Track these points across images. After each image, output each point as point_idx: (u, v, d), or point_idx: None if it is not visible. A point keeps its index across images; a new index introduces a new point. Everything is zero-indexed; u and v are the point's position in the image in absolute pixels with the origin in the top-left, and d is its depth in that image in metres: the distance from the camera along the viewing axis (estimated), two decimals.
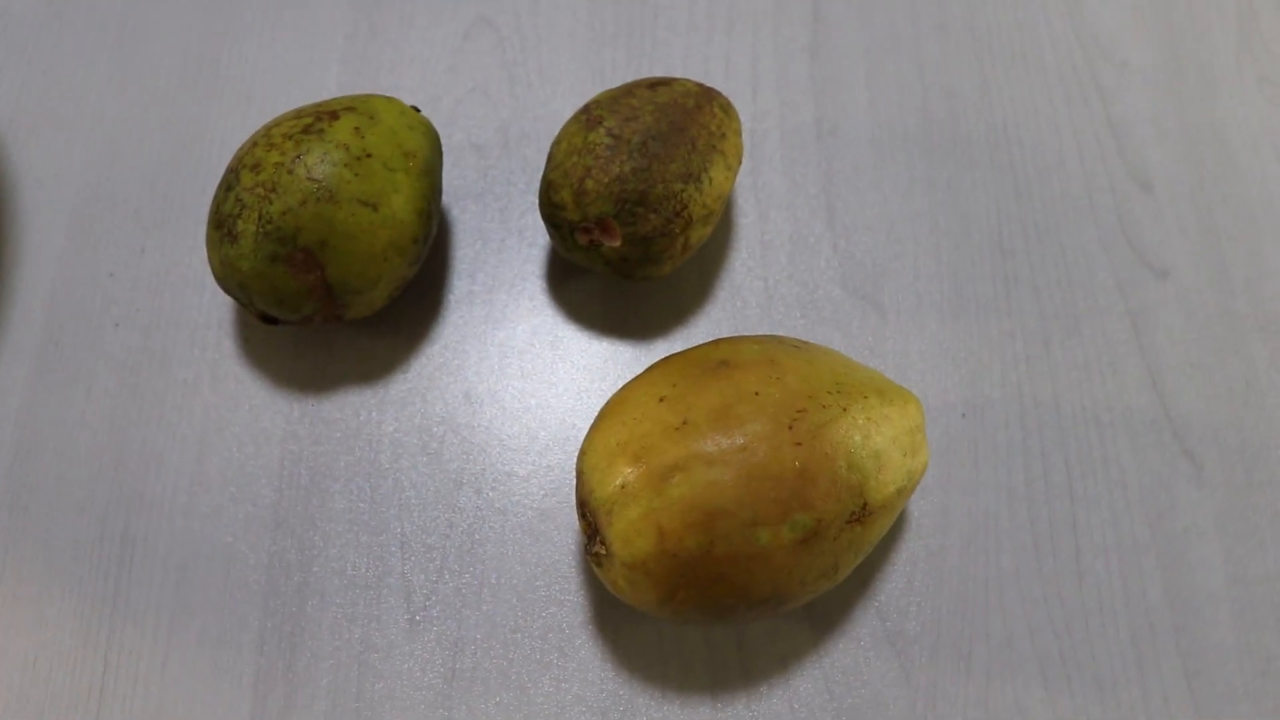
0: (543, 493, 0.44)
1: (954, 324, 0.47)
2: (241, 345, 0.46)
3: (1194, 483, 0.45)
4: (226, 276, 0.40)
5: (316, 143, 0.40)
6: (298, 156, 0.39)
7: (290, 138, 0.40)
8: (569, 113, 0.51)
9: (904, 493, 0.37)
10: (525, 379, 0.46)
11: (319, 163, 0.39)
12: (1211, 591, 0.43)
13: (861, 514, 0.35)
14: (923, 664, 0.41)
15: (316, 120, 0.41)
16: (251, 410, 0.45)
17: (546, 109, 0.52)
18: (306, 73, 0.53)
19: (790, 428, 0.34)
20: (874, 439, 0.36)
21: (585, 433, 0.45)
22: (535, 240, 0.49)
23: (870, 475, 0.35)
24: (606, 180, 0.40)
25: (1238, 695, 0.41)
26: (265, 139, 0.41)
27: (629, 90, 0.42)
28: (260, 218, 0.39)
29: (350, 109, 0.42)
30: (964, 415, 0.45)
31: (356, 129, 0.41)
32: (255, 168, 0.40)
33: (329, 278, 0.40)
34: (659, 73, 0.53)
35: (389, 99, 0.44)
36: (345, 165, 0.40)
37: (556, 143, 0.42)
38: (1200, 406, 0.46)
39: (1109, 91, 0.53)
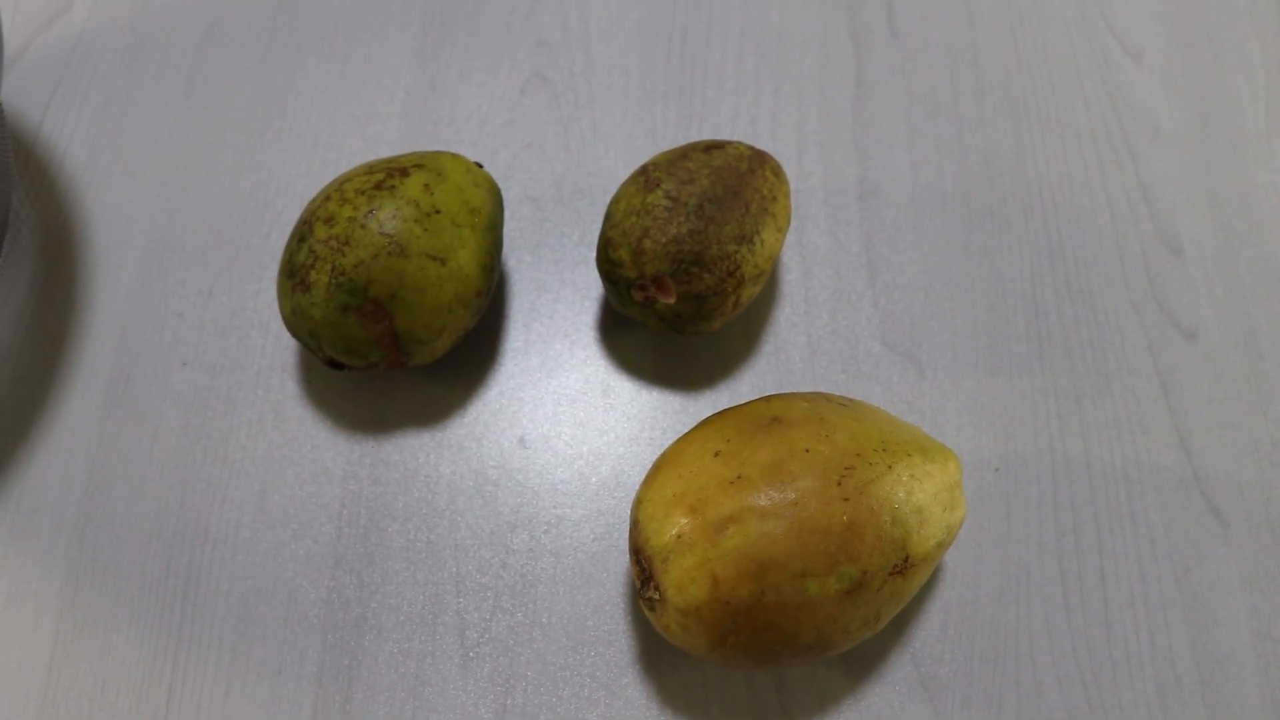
0: (593, 537, 0.45)
1: (989, 381, 0.49)
2: (304, 387, 0.48)
3: (1220, 540, 0.46)
4: (297, 324, 0.42)
5: (388, 199, 0.42)
6: (370, 211, 0.41)
7: (363, 193, 0.42)
8: (622, 168, 0.53)
9: (943, 546, 0.39)
10: (577, 426, 0.47)
11: (390, 218, 0.41)
12: (1237, 646, 0.44)
13: (904, 566, 0.37)
14: (955, 710, 0.43)
15: (388, 177, 0.43)
16: (313, 450, 0.47)
17: (600, 164, 0.54)
18: (368, 124, 0.55)
19: (839, 484, 0.36)
20: (916, 495, 0.37)
21: (635, 479, 0.46)
22: (589, 292, 0.50)
23: (913, 530, 0.37)
24: (664, 241, 0.41)
25: None
26: (339, 193, 0.42)
27: (685, 153, 0.44)
28: (333, 269, 0.40)
29: (420, 166, 0.44)
30: (997, 470, 0.47)
31: (426, 185, 0.43)
32: (329, 221, 0.41)
33: (397, 328, 0.41)
34: (708, 131, 0.54)
35: (455, 156, 0.46)
36: (415, 221, 0.41)
37: (615, 202, 0.44)
38: (1227, 465, 0.48)
39: (1141, 156, 0.55)
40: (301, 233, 0.42)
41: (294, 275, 0.42)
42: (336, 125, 0.55)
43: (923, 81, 0.56)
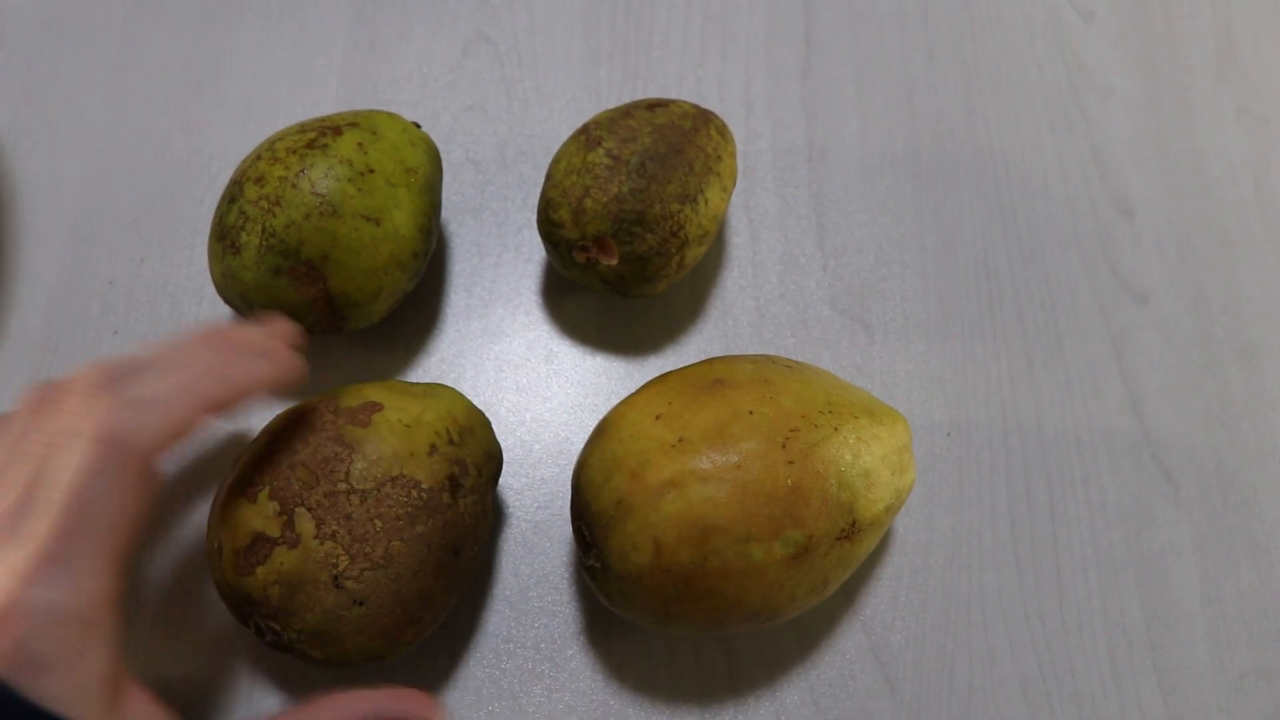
0: (536, 505, 0.44)
1: (940, 344, 0.48)
2: None
3: (1171, 503, 0.46)
4: (228, 288, 0.40)
5: (320, 157, 0.40)
6: (302, 171, 0.40)
7: (294, 152, 0.40)
8: (566, 130, 0.52)
9: (891, 510, 0.38)
10: (520, 393, 0.46)
11: (323, 177, 0.40)
12: (1187, 609, 0.44)
13: (851, 531, 0.36)
14: (907, 677, 0.42)
15: (320, 135, 0.41)
16: (244, 416, 0.46)
17: (543, 126, 0.52)
18: (305, 85, 0.53)
19: (784, 446, 0.35)
20: (864, 458, 0.36)
21: (578, 446, 0.45)
22: (531, 256, 0.49)
23: (860, 494, 0.36)
24: (605, 200, 0.40)
25: (1212, 711, 0.42)
26: (269, 153, 0.41)
27: (627, 111, 0.43)
28: (264, 230, 0.39)
29: (353, 124, 0.42)
30: (949, 434, 0.46)
31: (360, 144, 0.41)
32: (259, 181, 0.40)
33: (331, 290, 0.40)
34: (654, 92, 0.53)
35: (391, 115, 0.44)
36: (349, 180, 0.40)
37: (555, 161, 0.43)
38: (1179, 428, 0.47)
39: (1092, 118, 0.54)
40: (232, 193, 0.41)
41: (224, 238, 0.40)
42: (272, 88, 0.53)
43: (873, 42, 0.56)
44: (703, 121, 0.44)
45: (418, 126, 0.45)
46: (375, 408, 0.37)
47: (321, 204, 0.39)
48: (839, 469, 0.35)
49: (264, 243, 0.39)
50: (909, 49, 0.55)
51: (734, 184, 0.45)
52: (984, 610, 0.44)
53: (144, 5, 0.55)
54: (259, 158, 0.41)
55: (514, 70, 0.54)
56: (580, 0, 0.56)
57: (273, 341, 0.36)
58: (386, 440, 0.36)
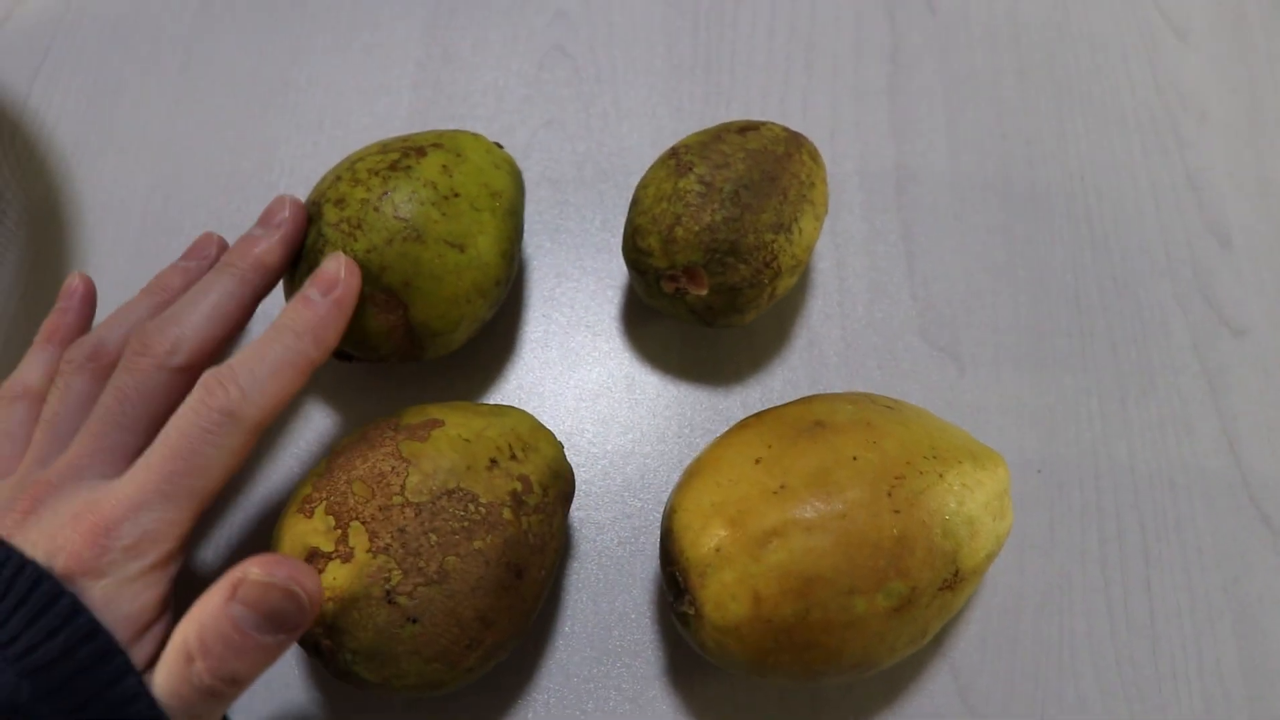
0: (618, 541, 0.43)
1: (1031, 378, 0.47)
2: (311, 380, 0.46)
3: (1270, 548, 0.44)
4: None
5: (404, 180, 0.39)
6: (385, 194, 0.39)
7: (376, 173, 0.39)
8: (647, 147, 0.51)
9: (991, 557, 0.37)
10: (601, 423, 0.45)
11: (406, 201, 0.39)
12: None
13: (954, 581, 0.35)
14: None
15: (404, 156, 0.40)
16: (320, 447, 0.45)
17: (624, 143, 0.51)
18: (377, 99, 0.52)
19: (889, 494, 0.34)
20: (968, 505, 0.35)
21: (663, 480, 0.44)
22: (612, 280, 0.48)
23: (964, 542, 0.35)
24: (697, 229, 0.39)
25: None
26: (349, 173, 0.40)
27: (718, 135, 0.42)
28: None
29: (437, 145, 0.41)
30: (1039, 471, 0.45)
31: (444, 167, 0.40)
32: (339, 203, 0.39)
33: (411, 318, 0.39)
34: (736, 108, 0.52)
35: (475, 136, 0.43)
36: (433, 204, 0.39)
37: (643, 186, 0.42)
38: (1277, 469, 0.46)
39: (1187, 142, 0.53)
40: (309, 213, 0.40)
41: (302, 260, 0.39)
42: (343, 101, 0.52)
43: (962, 61, 0.54)
44: (795, 146, 0.42)
45: (500, 147, 0.44)
46: (436, 424, 0.36)
47: (405, 229, 0.38)
48: (944, 517, 0.34)
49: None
50: (999, 68, 0.54)
51: (826, 211, 0.44)
52: (1074, 656, 0.42)
53: (211, 14, 0.55)
54: (339, 178, 0.40)
55: (592, 85, 0.53)
56: (660, 13, 0.55)
57: (329, 272, 0.37)
58: (444, 454, 0.35)
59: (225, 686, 0.31)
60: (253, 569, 0.31)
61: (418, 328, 0.39)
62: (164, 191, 0.50)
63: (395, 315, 0.39)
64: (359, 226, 0.38)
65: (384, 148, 0.41)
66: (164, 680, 0.30)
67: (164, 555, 0.32)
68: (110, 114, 0.52)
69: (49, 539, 0.31)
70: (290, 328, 0.35)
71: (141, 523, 0.31)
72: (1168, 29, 0.56)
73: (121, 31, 0.54)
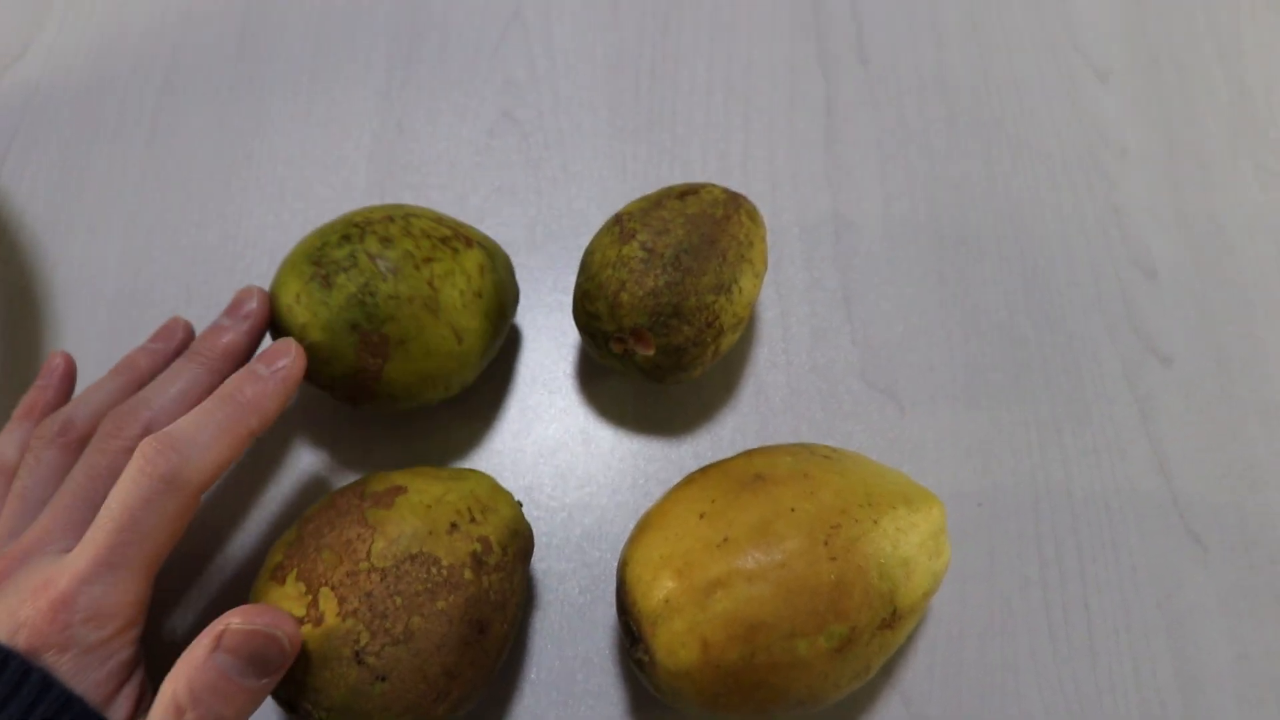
0: (579, 589, 0.45)
1: (968, 414, 0.49)
2: (279, 436, 0.48)
3: (1200, 564, 0.47)
4: (292, 309, 0.41)
5: (448, 259, 0.42)
6: (428, 260, 0.41)
7: (429, 237, 0.42)
8: (594, 209, 0.53)
9: (929, 594, 0.39)
10: (558, 477, 0.47)
11: (442, 278, 0.41)
12: (1218, 670, 0.45)
13: (892, 620, 0.37)
14: None
15: (454, 237, 0.43)
16: (285, 501, 0.47)
17: (571, 206, 0.54)
18: (336, 170, 0.54)
19: (826, 543, 0.36)
20: (903, 547, 0.37)
21: (619, 530, 0.46)
22: (565, 339, 0.51)
23: (900, 583, 0.37)
24: (641, 294, 0.41)
25: None
26: (403, 221, 0.42)
27: (659, 201, 0.44)
28: (366, 286, 0.40)
29: (483, 245, 0.44)
30: (979, 504, 0.47)
31: (481, 268, 0.43)
32: (385, 241, 0.41)
33: (384, 372, 0.41)
34: (679, 167, 0.55)
35: (503, 251, 0.47)
36: (460, 293, 0.42)
37: (590, 253, 0.44)
38: (1205, 490, 0.48)
39: (1112, 179, 0.55)
40: (348, 232, 0.41)
41: (321, 264, 0.41)
42: (303, 173, 0.55)
43: (892, 110, 0.57)
44: (734, 208, 0.45)
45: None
46: (400, 490, 0.38)
47: (429, 299, 0.41)
48: (879, 561, 0.36)
49: (360, 296, 0.40)
50: (928, 116, 0.57)
51: (765, 268, 0.46)
52: (1018, 677, 0.44)
53: (175, 88, 0.57)
54: (391, 219, 0.42)
55: (540, 150, 0.55)
56: (603, 77, 0.57)
57: (279, 350, 0.40)
58: (407, 520, 0.37)
59: None
60: (234, 619, 0.33)
61: (383, 381, 0.41)
62: (133, 265, 0.52)
63: (374, 361, 0.41)
64: (395, 271, 0.40)
65: (439, 219, 0.44)
66: None
67: (122, 622, 0.33)
68: (79, 191, 0.54)
69: (11, 615, 0.32)
70: (234, 398, 0.37)
71: (94, 594, 0.33)
72: (1088, 70, 0.58)
73: (87, 108, 0.56)
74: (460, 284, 0.42)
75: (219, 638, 0.33)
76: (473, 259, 0.43)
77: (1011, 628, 0.45)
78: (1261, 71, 0.59)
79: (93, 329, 0.51)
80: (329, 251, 0.41)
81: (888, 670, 0.44)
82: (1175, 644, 0.45)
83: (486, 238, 0.46)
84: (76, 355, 0.49)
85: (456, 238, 0.43)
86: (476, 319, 0.43)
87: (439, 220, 0.44)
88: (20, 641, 0.32)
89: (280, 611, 0.34)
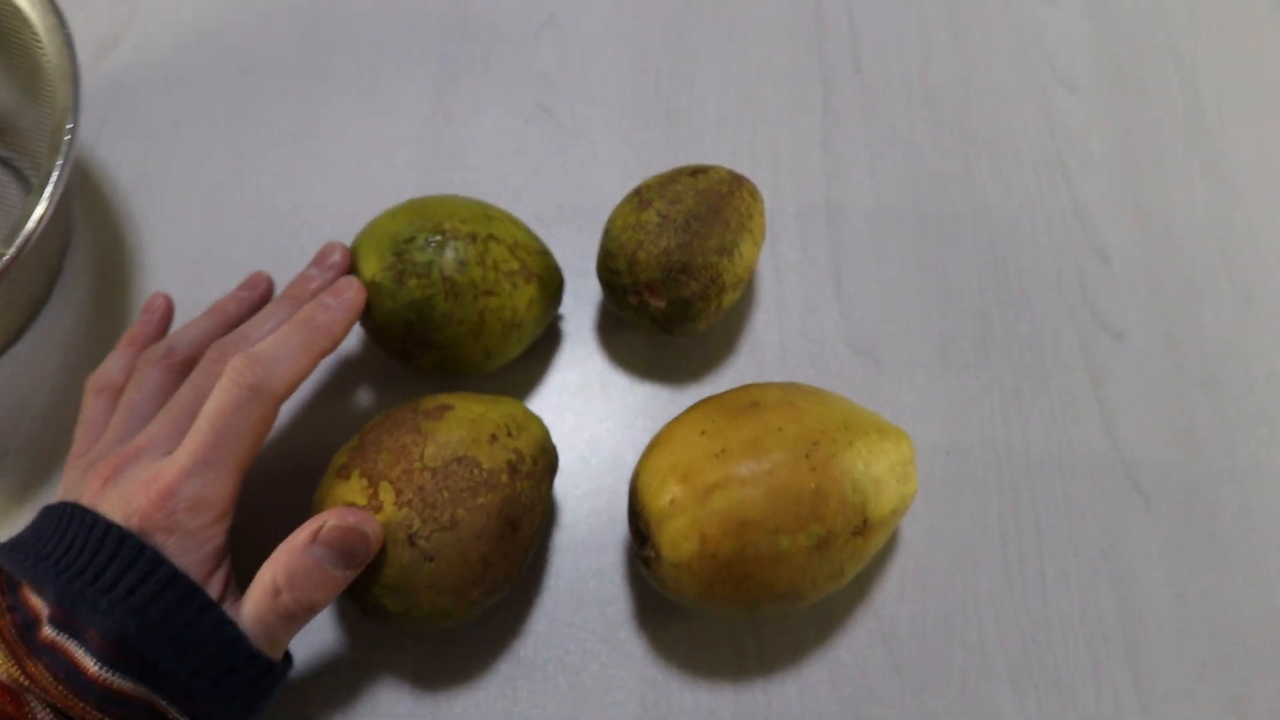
0: (593, 510, 0.51)
1: (940, 377, 0.55)
2: (321, 379, 0.54)
3: (1144, 514, 0.52)
4: (369, 287, 0.46)
5: (505, 295, 0.47)
6: (488, 293, 0.46)
7: (498, 270, 0.47)
8: (617, 189, 0.60)
9: (897, 513, 0.45)
10: (579, 415, 0.53)
11: (494, 312, 0.47)
12: (1156, 609, 0.50)
13: (863, 528, 0.43)
14: (911, 661, 0.48)
15: (519, 271, 0.48)
16: (342, 427, 0.52)
17: (597, 187, 0.60)
18: (391, 151, 0.61)
19: (807, 456, 0.42)
20: (874, 467, 0.43)
21: (631, 459, 0.52)
22: (589, 298, 0.57)
23: (870, 497, 0.43)
24: (655, 252, 0.48)
25: (1178, 696, 0.48)
26: (483, 246, 0.47)
27: (673, 177, 0.50)
28: (429, 299, 0.45)
29: (541, 276, 0.49)
30: (947, 454, 0.53)
31: (531, 301, 0.48)
32: (461, 265, 0.46)
33: (419, 360, 0.47)
34: (693, 157, 0.61)
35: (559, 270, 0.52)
36: (504, 324, 0.47)
37: (612, 220, 0.51)
38: (1150, 451, 0.54)
39: (1075, 178, 0.61)
40: (435, 237, 0.46)
41: (401, 258, 0.46)
42: (362, 152, 0.61)
43: (882, 112, 0.63)
44: (737, 185, 0.51)
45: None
46: (448, 408, 0.44)
47: (475, 327, 0.46)
48: (853, 476, 0.42)
49: (420, 304, 0.45)
50: (914, 119, 0.63)
51: (764, 238, 0.52)
52: (977, 607, 0.49)
53: (251, 75, 0.63)
54: (474, 238, 0.47)
55: (571, 138, 0.61)
56: (627, 75, 0.64)
57: (343, 284, 0.45)
58: (454, 430, 0.43)
59: (304, 613, 0.39)
60: (329, 518, 0.39)
61: (417, 362, 0.48)
62: (213, 227, 0.58)
63: (414, 350, 0.47)
64: (456, 295, 0.46)
65: (513, 247, 0.48)
66: (251, 610, 0.38)
67: (217, 512, 0.39)
68: (165, 164, 0.60)
69: (125, 503, 0.37)
70: (308, 323, 0.43)
71: (194, 486, 0.38)
72: (1057, 83, 0.65)
73: (174, 91, 0.63)
74: (506, 316, 0.47)
75: (316, 532, 0.38)
76: (525, 295, 0.48)
77: (973, 562, 0.50)
78: (1213, 86, 0.65)
79: (178, 277, 0.57)
80: (413, 252, 0.45)
81: (862, 590, 0.49)
82: (1118, 585, 0.50)
83: (549, 265, 0.50)
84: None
85: (521, 272, 0.47)
86: (508, 344, 0.48)
87: (513, 248, 0.48)
88: (134, 524, 0.37)
89: (367, 514, 0.40)
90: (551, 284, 0.50)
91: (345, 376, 0.54)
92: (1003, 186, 0.61)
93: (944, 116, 0.64)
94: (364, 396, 0.54)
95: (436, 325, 0.46)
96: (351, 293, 0.45)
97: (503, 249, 0.47)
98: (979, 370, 0.55)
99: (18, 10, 0.52)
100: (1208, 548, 0.51)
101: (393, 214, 0.48)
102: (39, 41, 0.51)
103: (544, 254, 0.50)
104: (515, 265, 0.47)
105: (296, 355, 0.42)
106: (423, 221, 0.47)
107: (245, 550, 0.44)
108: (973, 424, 0.54)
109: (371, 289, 0.46)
